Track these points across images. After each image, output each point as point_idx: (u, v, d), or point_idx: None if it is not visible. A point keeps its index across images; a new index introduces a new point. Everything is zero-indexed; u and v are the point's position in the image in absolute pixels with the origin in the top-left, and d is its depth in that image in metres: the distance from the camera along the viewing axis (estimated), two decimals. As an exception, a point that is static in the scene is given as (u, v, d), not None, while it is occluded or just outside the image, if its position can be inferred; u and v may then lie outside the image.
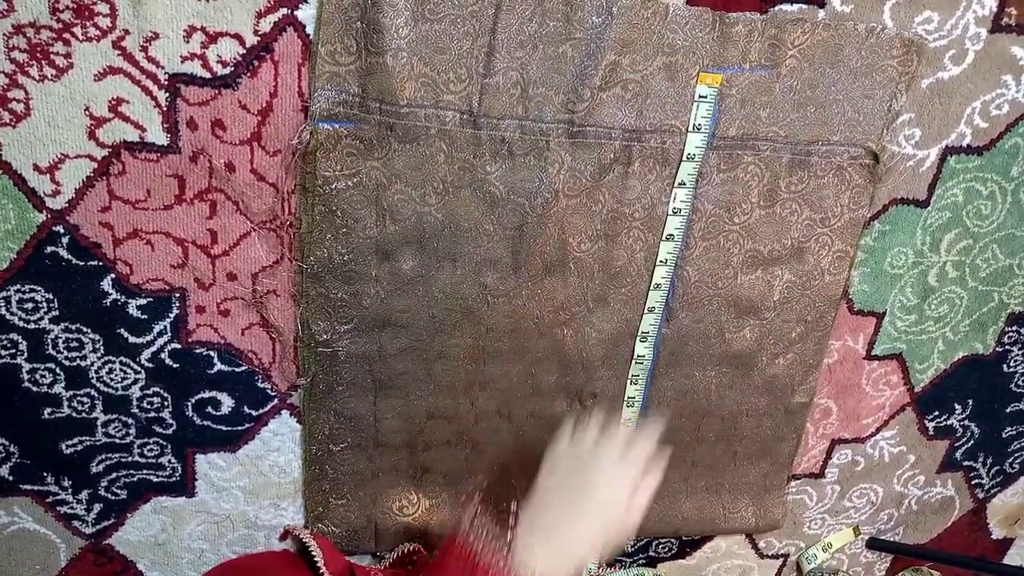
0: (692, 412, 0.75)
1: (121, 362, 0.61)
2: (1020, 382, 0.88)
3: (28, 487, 0.65)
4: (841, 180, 0.66)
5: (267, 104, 0.55)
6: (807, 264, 0.70)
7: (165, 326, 0.61)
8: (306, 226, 0.59)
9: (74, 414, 0.62)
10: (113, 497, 0.67)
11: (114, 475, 0.66)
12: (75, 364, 0.60)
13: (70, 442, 0.64)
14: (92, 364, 0.61)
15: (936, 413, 0.87)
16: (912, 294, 0.77)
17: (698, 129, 0.62)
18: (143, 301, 0.60)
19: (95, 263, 0.57)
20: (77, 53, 0.51)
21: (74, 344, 0.60)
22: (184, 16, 0.51)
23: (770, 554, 0.91)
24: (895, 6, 0.61)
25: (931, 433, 0.88)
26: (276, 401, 0.66)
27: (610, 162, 0.61)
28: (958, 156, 0.70)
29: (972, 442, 0.91)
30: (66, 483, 0.65)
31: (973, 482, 0.96)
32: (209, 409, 0.65)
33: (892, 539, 0.95)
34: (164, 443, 0.66)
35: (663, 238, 0.65)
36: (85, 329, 0.59)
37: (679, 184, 0.63)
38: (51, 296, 0.58)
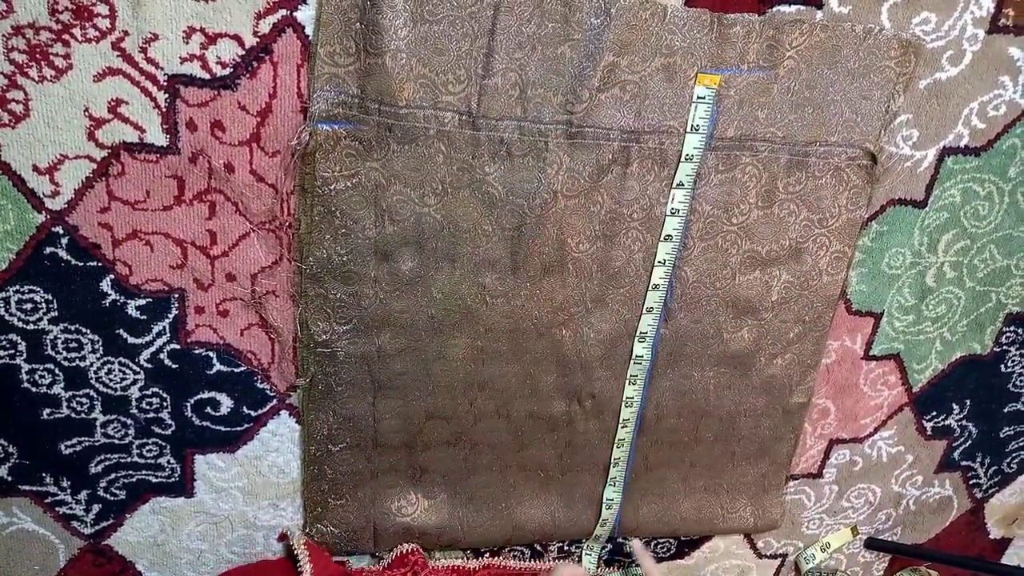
0: (690, 412, 0.75)
1: (120, 363, 0.61)
2: (1018, 382, 0.88)
3: (27, 488, 0.65)
4: (839, 181, 0.67)
5: (266, 105, 0.55)
6: (805, 264, 0.70)
7: (164, 327, 0.61)
8: (305, 227, 0.59)
9: (73, 415, 0.62)
10: (112, 497, 0.67)
11: (113, 475, 0.66)
12: (74, 365, 0.60)
13: (69, 443, 0.64)
14: (91, 365, 0.61)
15: (934, 413, 0.87)
16: (910, 294, 0.77)
17: (696, 130, 0.62)
18: (142, 302, 0.60)
19: (94, 264, 0.57)
20: (76, 54, 0.51)
21: (73, 345, 0.60)
22: (183, 17, 0.51)
23: (768, 554, 0.92)
24: (893, 7, 0.61)
25: (929, 433, 0.88)
26: (275, 401, 0.66)
27: (608, 163, 0.61)
28: (956, 157, 0.70)
29: (970, 442, 0.91)
30: (65, 484, 0.65)
31: (971, 482, 0.96)
32: (208, 410, 0.65)
33: (890, 539, 0.96)
34: (163, 444, 0.66)
35: (661, 239, 0.65)
36: (84, 330, 0.59)
37: (677, 185, 0.63)
38: (50, 297, 0.58)
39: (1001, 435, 0.92)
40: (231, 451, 0.67)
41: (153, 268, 0.59)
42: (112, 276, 0.58)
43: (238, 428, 0.66)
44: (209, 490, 0.69)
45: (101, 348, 0.60)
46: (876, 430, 0.85)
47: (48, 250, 0.56)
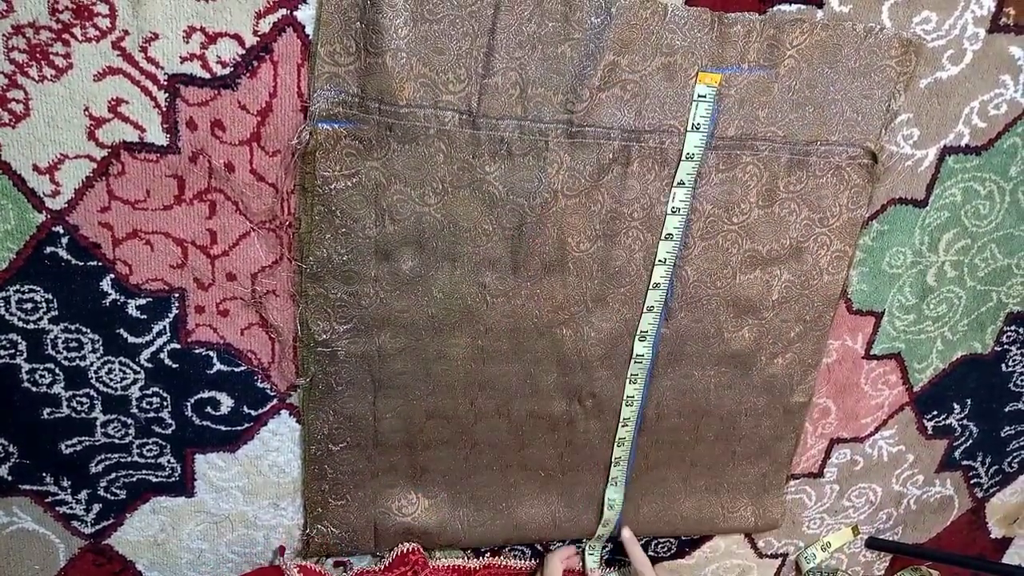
0: (691, 411, 0.75)
1: (120, 362, 0.61)
2: (1019, 381, 0.88)
3: (27, 487, 0.65)
4: (840, 180, 0.67)
5: (266, 104, 0.55)
6: (806, 264, 0.70)
7: (164, 326, 0.61)
8: (305, 226, 0.59)
9: (73, 414, 0.62)
10: (112, 497, 0.67)
11: (113, 475, 0.66)
12: (74, 364, 0.60)
13: (69, 442, 0.64)
14: (91, 364, 0.61)
15: (935, 412, 0.87)
16: (911, 294, 0.77)
17: (697, 129, 0.62)
18: (142, 301, 0.60)
19: (94, 263, 0.57)
20: (76, 53, 0.51)
21: (73, 344, 0.60)
22: (183, 17, 0.51)
23: (769, 553, 0.92)
24: (893, 6, 0.61)
25: (930, 432, 0.88)
26: (275, 401, 0.66)
27: (609, 162, 0.61)
28: (956, 156, 0.70)
29: (971, 441, 0.91)
30: (65, 483, 0.65)
31: (972, 481, 0.96)
32: (208, 409, 0.65)
33: (891, 538, 0.96)
34: (163, 443, 0.66)
35: (662, 238, 0.65)
36: (84, 329, 0.59)
37: (678, 184, 0.63)
38: (50, 296, 0.58)
39: (1002, 434, 0.92)
40: (231, 451, 0.67)
41: (153, 267, 0.59)
42: (112, 275, 0.58)
43: (238, 428, 0.66)
44: (209, 490, 0.69)
45: (101, 348, 0.60)
46: (877, 429, 0.85)
47: (48, 250, 0.56)
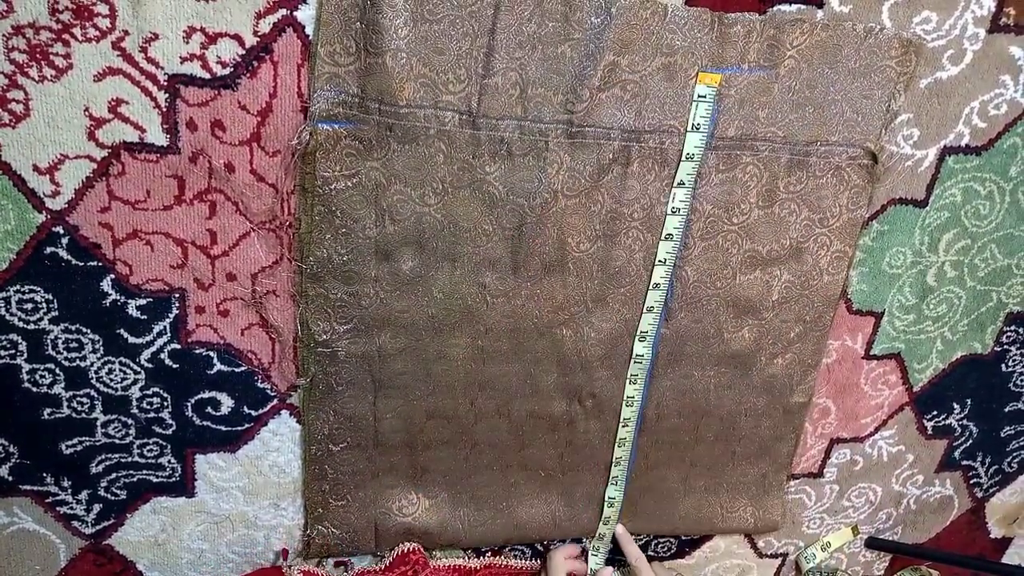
0: (691, 412, 0.75)
1: (121, 362, 0.61)
2: (1019, 381, 0.88)
3: (28, 487, 0.65)
4: (840, 180, 0.67)
5: (266, 105, 0.55)
6: (806, 264, 0.70)
7: (165, 326, 0.61)
8: (305, 226, 0.59)
9: (74, 414, 0.62)
10: (113, 497, 0.67)
11: (114, 475, 0.66)
12: (75, 364, 0.61)
13: (70, 442, 0.64)
14: (92, 364, 0.61)
15: (935, 412, 0.87)
16: (911, 294, 0.77)
17: (697, 129, 0.62)
18: (143, 301, 0.60)
19: (95, 264, 0.57)
20: (76, 54, 0.51)
21: (74, 344, 0.60)
22: (183, 17, 0.51)
23: (769, 553, 0.92)
24: (893, 6, 0.61)
25: (930, 432, 0.88)
26: (276, 401, 0.66)
27: (609, 162, 0.61)
28: (956, 156, 0.70)
29: (971, 441, 0.91)
30: (66, 483, 0.65)
31: (972, 481, 0.96)
32: (209, 409, 0.65)
33: (891, 538, 0.96)
34: (164, 443, 0.66)
35: (662, 238, 0.65)
36: (85, 329, 0.59)
37: (678, 184, 0.63)
38: (51, 297, 0.58)
39: (1002, 434, 0.92)
40: (232, 451, 0.67)
41: (153, 268, 0.59)
42: (112, 276, 0.58)
43: (239, 428, 0.66)
44: (210, 490, 0.69)
45: (102, 348, 0.60)
46: (877, 429, 0.85)
47: (48, 250, 0.56)
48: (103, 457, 0.65)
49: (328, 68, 0.54)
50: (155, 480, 0.67)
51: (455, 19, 0.54)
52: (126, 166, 0.55)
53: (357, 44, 0.53)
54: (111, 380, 0.62)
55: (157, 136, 0.55)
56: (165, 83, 0.53)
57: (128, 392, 0.63)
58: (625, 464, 0.76)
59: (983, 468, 0.95)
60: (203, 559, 0.72)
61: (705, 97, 0.61)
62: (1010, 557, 1.08)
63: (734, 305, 0.70)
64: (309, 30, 0.53)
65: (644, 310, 0.68)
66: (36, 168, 0.54)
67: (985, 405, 0.88)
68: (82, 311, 0.59)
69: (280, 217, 0.59)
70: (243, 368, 0.64)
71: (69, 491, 0.66)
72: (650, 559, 0.81)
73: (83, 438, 0.64)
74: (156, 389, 0.63)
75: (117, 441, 0.65)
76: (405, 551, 0.72)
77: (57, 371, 0.60)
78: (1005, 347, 0.84)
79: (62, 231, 0.56)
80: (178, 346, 0.62)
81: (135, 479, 0.67)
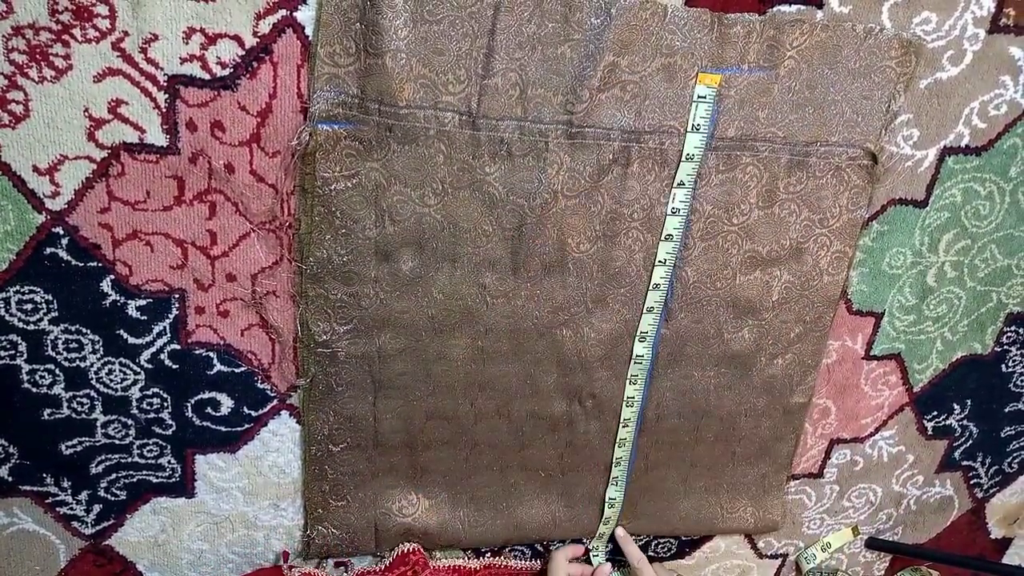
0: (691, 412, 0.75)
1: (120, 363, 0.61)
2: (1019, 382, 0.88)
3: (28, 488, 0.65)
4: (840, 181, 0.67)
5: (266, 105, 0.55)
6: (806, 265, 0.70)
7: (164, 327, 0.61)
8: (305, 227, 0.59)
9: (74, 415, 0.62)
10: (113, 498, 0.67)
11: (114, 476, 0.66)
12: (74, 365, 0.61)
13: (70, 443, 0.64)
14: (91, 365, 0.61)
15: (935, 413, 0.87)
16: (911, 294, 0.77)
17: (697, 129, 0.62)
18: (142, 302, 0.60)
19: (94, 264, 0.57)
20: (76, 54, 0.51)
21: (73, 345, 0.60)
22: (183, 18, 0.51)
23: (769, 554, 0.92)
24: (893, 7, 0.61)
25: (930, 433, 0.88)
26: (275, 402, 0.66)
27: (609, 163, 0.61)
28: (956, 156, 0.70)
29: (971, 442, 0.91)
30: (66, 484, 0.65)
31: (972, 482, 0.96)
32: (209, 410, 0.65)
33: (891, 539, 0.96)
34: (164, 444, 0.66)
35: (662, 238, 0.65)
36: (84, 330, 0.59)
37: (678, 184, 0.63)
38: (50, 297, 0.58)
39: (1002, 435, 0.92)
40: (232, 451, 0.67)
41: (153, 268, 0.59)
42: (112, 276, 0.58)
43: (238, 428, 0.66)
44: (210, 490, 0.69)
45: (101, 348, 0.60)
46: (877, 430, 0.85)
47: (48, 250, 0.56)
48: (103, 457, 0.65)
49: (328, 69, 0.54)
50: (155, 480, 0.67)
51: (455, 20, 0.54)
52: (126, 167, 0.55)
53: (357, 45, 0.53)
54: (111, 381, 0.62)
55: (157, 137, 0.55)
56: (165, 84, 0.53)
57: (128, 393, 0.63)
58: (625, 464, 0.76)
59: (983, 468, 0.95)
60: (203, 559, 0.72)
61: (705, 98, 0.61)
62: (1010, 557, 1.08)
63: (734, 305, 0.70)
64: (309, 31, 0.53)
65: (644, 310, 0.68)
66: (36, 169, 0.54)
67: (985, 405, 0.88)
68: (82, 312, 0.59)
69: (280, 218, 0.59)
70: (243, 368, 0.64)
71: (69, 491, 0.66)
72: (650, 560, 0.81)
73: (83, 438, 0.64)
74: (156, 390, 0.63)
75: (117, 441, 0.65)
76: (405, 551, 0.72)
77: (57, 372, 0.60)
78: (1005, 347, 0.84)
79: (62, 232, 0.56)
80: (178, 347, 0.62)
81: (135, 479, 0.67)
